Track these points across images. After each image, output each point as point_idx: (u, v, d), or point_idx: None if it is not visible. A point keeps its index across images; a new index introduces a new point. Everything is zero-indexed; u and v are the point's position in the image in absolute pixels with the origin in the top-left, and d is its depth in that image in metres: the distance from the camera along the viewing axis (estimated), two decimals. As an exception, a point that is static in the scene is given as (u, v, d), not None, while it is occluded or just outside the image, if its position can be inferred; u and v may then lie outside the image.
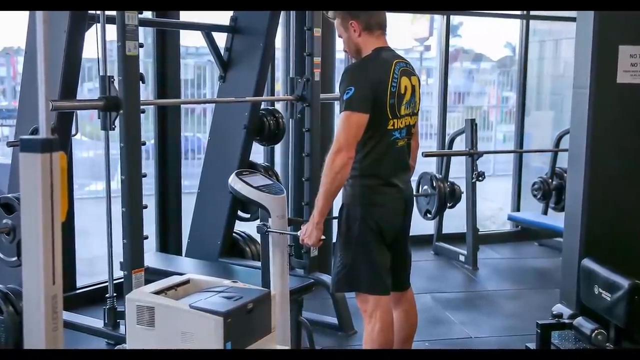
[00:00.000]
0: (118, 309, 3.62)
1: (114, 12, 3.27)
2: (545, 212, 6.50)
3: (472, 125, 5.72)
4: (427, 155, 5.74)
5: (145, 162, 3.76)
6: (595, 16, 3.45)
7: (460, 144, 6.05)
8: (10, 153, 3.77)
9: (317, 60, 4.35)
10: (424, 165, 5.85)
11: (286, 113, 4.64)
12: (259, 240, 3.28)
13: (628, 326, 3.00)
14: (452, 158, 6.06)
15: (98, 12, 3.44)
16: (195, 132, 9.46)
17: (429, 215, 5.92)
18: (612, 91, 3.49)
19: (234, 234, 4.73)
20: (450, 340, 4.19)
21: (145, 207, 3.46)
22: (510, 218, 6.78)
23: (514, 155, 6.96)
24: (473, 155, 5.71)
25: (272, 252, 3.07)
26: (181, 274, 2.92)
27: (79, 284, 4.64)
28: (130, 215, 3.35)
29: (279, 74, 5.39)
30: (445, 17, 6.33)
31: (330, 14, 3.00)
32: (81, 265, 4.77)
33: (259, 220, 3.16)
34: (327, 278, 4.11)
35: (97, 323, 3.73)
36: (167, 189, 5.05)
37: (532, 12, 6.70)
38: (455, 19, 7.02)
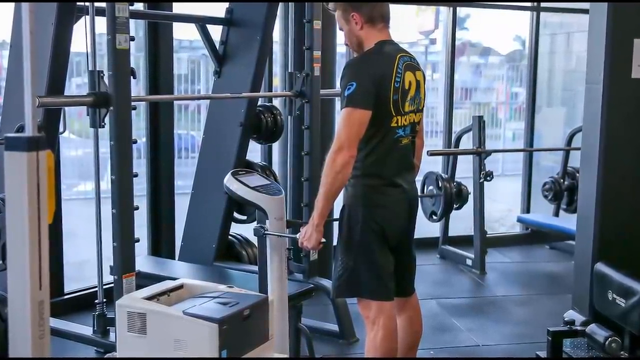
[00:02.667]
0: (108, 316, 3.62)
1: (103, 4, 3.27)
2: (556, 214, 6.50)
3: (480, 122, 5.72)
4: (432, 154, 5.74)
5: (137, 161, 3.76)
6: (609, 8, 3.45)
7: (467, 142, 6.04)
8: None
9: (317, 54, 4.35)
10: (429, 164, 5.85)
11: (284, 110, 4.64)
12: (255, 243, 3.28)
13: (643, 333, 3.00)
14: (459, 157, 6.07)
15: (87, 3, 3.44)
16: (189, 130, 9.46)
17: (434, 217, 5.92)
18: (626, 87, 3.49)
19: (229, 237, 4.73)
20: (456, 349, 4.19)
21: (137, 208, 3.46)
22: (519, 220, 6.78)
23: (523, 154, 6.96)
24: (481, 154, 5.71)
25: (270, 255, 3.07)
26: (174, 279, 2.93)
27: (66, 289, 4.64)
28: (120, 217, 3.35)
29: (277, 68, 5.38)
30: (451, 8, 6.33)
31: (331, 5, 3.00)
32: (69, 270, 4.77)
33: (256, 222, 3.16)
34: (327, 283, 4.11)
35: (86, 330, 3.73)
36: (160, 189, 5.05)
37: (543, 4, 6.70)
38: (462, 10, 7.02)
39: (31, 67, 1.73)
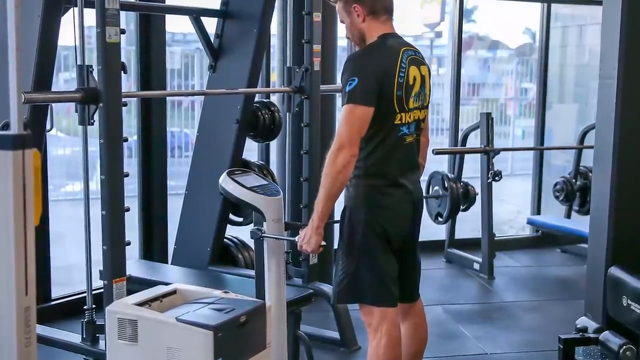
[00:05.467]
0: (97, 323, 3.62)
1: (92, -5, 3.27)
2: (568, 216, 6.50)
3: (488, 119, 5.73)
4: (438, 152, 5.75)
5: (128, 160, 3.76)
6: (624, -1, 3.45)
7: (474, 141, 6.04)
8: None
9: (317, 48, 4.35)
10: (435, 163, 5.86)
11: (283, 106, 4.64)
12: (252, 246, 3.28)
13: (660, 341, 3.00)
14: (466, 156, 6.07)
15: (75, -6, 3.43)
16: (182, 127, 9.47)
17: (440, 219, 5.92)
18: (642, 82, 3.50)
19: (225, 240, 4.74)
20: (463, 357, 4.20)
21: (127, 210, 3.46)
22: (529, 222, 6.78)
23: (533, 152, 6.97)
24: (489, 152, 5.71)
25: (267, 259, 3.07)
26: (167, 284, 2.93)
27: (54, 294, 4.64)
28: (110, 218, 3.35)
29: (275, 63, 5.38)
30: (458, 0, 6.33)
31: (332, -4, 3.00)
32: (57, 274, 4.77)
33: (252, 224, 3.16)
34: (327, 288, 4.11)
35: (75, 338, 3.73)
36: (152, 190, 5.04)
37: (554, -5, 6.70)
38: (469, 2, 7.03)
39: (17, 61, 1.73)
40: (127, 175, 3.45)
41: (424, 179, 5.11)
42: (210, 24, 4.63)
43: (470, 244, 6.09)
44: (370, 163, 2.87)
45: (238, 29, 4.57)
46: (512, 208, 8.33)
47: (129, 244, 3.48)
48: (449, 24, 7.16)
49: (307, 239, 2.87)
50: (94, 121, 3.36)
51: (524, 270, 6.14)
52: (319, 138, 4.42)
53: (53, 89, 3.86)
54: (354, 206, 2.91)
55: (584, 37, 7.74)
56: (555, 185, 6.49)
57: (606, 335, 3.16)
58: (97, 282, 3.52)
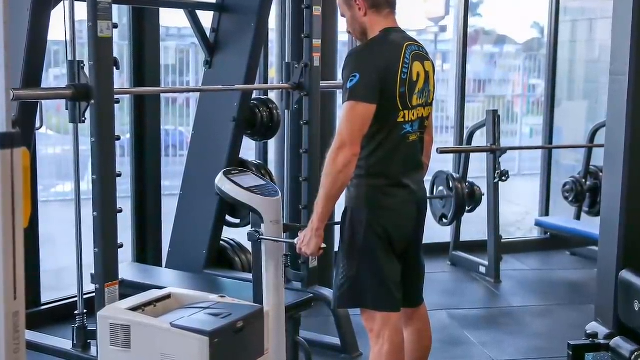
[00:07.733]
0: (89, 328, 3.62)
1: (84, -12, 3.27)
2: (578, 217, 6.50)
3: (494, 117, 5.73)
4: (442, 151, 5.74)
5: (120, 159, 3.76)
6: (636, -8, 3.44)
7: (480, 139, 6.04)
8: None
9: (317, 42, 4.35)
10: (439, 163, 5.86)
11: (281, 103, 4.64)
12: (250, 248, 3.28)
13: (673, 347, 3.00)
14: (472, 155, 6.07)
15: (66, -12, 3.44)
16: (177, 126, 9.49)
17: (444, 221, 5.92)
18: (654, 78, 3.49)
19: (221, 242, 4.74)
20: (469, 364, 4.20)
21: (120, 211, 3.46)
22: (537, 223, 6.78)
23: (542, 151, 6.97)
24: (495, 151, 5.71)
25: (265, 262, 3.07)
26: (161, 288, 2.93)
27: (44, 299, 4.65)
28: (102, 220, 3.35)
29: (273, 58, 5.38)
30: (463, -7, 6.34)
31: (332, -11, 3.01)
32: (47, 278, 4.78)
33: (250, 226, 3.17)
34: (328, 292, 4.11)
35: (65, 344, 3.73)
36: (145, 190, 5.05)
37: (563, -12, 6.71)
38: (474, -5, 7.04)
39: (5, 57, 1.73)
40: (119, 175, 3.46)
41: (428, 178, 5.11)
42: (206, 18, 4.64)
43: (476, 247, 6.09)
44: (372, 162, 2.87)
45: (235, 23, 4.57)
46: (520, 209, 8.34)
47: (121, 246, 3.48)
48: (453, 18, 7.18)
49: (307, 241, 2.87)
50: (85, 119, 3.36)
51: (532, 273, 6.15)
52: (318, 136, 4.42)
53: (43, 85, 3.86)
54: (355, 207, 2.92)
55: (594, 31, 7.74)
56: (565, 185, 6.49)
57: (617, 341, 3.16)
58: (89, 286, 3.51)
